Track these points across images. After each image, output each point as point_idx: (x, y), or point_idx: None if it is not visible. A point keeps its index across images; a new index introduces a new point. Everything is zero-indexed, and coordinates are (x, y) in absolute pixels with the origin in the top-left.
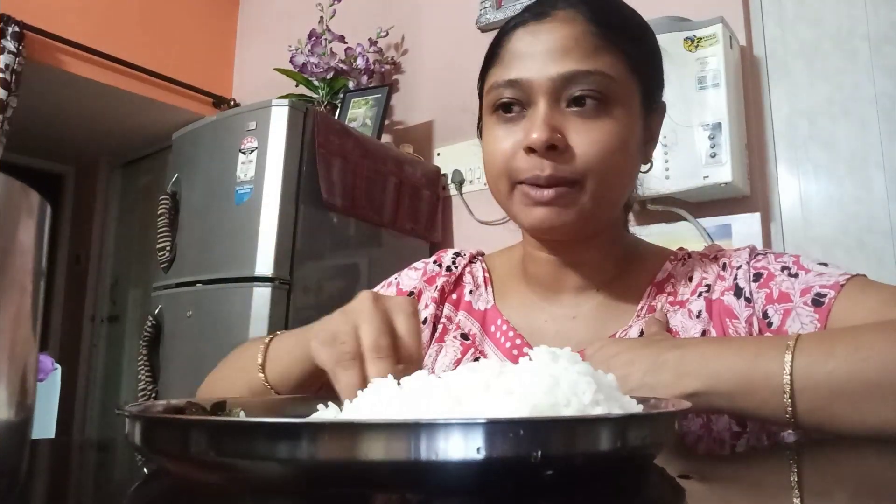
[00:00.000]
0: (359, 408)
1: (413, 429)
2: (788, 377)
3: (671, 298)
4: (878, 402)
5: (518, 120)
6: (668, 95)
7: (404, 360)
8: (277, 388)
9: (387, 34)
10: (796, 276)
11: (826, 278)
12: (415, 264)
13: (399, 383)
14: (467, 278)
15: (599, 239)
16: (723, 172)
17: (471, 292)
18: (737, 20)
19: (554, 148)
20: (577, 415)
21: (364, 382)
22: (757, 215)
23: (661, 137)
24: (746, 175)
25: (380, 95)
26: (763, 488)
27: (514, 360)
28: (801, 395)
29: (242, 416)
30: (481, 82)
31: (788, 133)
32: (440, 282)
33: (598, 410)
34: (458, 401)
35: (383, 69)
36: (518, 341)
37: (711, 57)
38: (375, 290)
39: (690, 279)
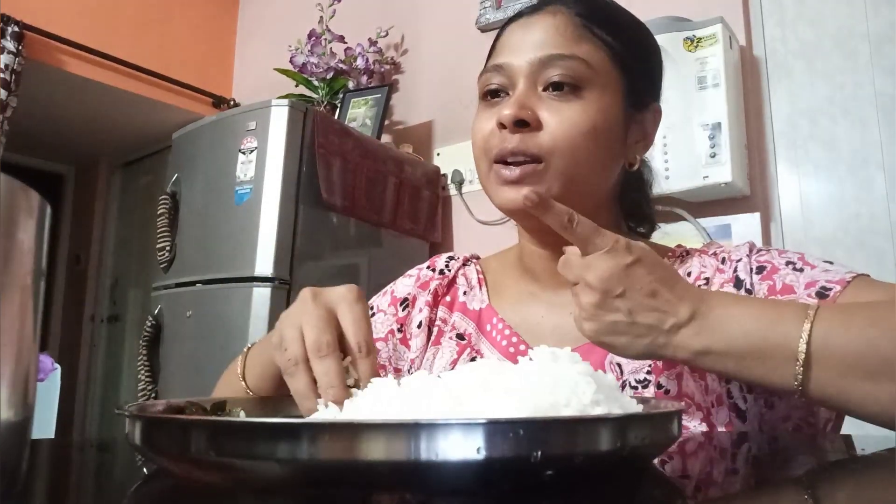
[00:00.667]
0: (359, 408)
1: (413, 429)
2: (805, 346)
3: None
4: (891, 379)
5: (500, 103)
6: (668, 95)
7: (352, 351)
8: (258, 393)
9: (387, 34)
10: (801, 270)
11: (832, 274)
12: (409, 272)
13: (399, 383)
14: (461, 280)
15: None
16: (723, 172)
17: (465, 293)
18: (737, 20)
19: (523, 124)
20: (577, 415)
21: (314, 383)
22: (757, 215)
23: (661, 137)
24: (746, 175)
25: (380, 95)
26: (763, 488)
27: (511, 358)
28: (816, 365)
29: (242, 416)
30: (488, 56)
31: (788, 133)
32: (433, 285)
33: (598, 410)
34: (458, 401)
35: (383, 69)
36: (514, 339)
37: (711, 57)
38: (372, 301)
39: (689, 274)
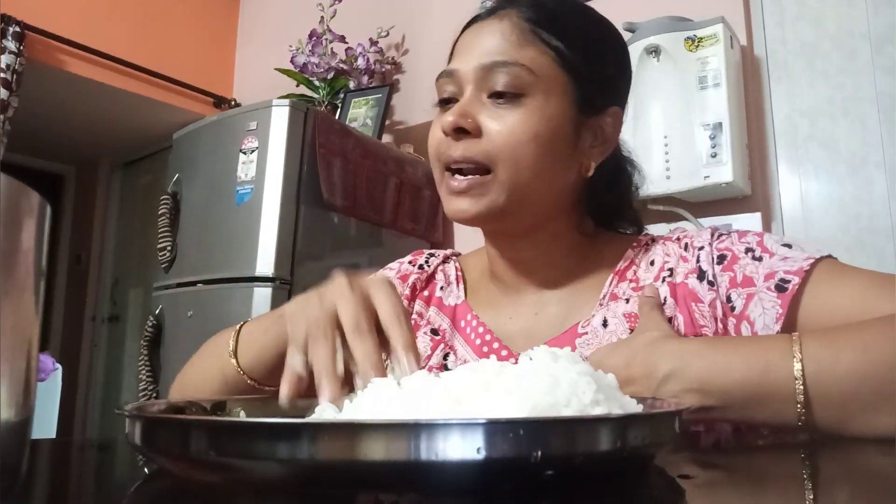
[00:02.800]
0: (359, 408)
1: (413, 429)
2: (802, 387)
3: (633, 285)
4: (889, 404)
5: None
6: (669, 95)
7: (394, 341)
8: (251, 374)
9: (387, 34)
10: (760, 259)
11: (790, 263)
12: (389, 265)
13: (399, 383)
14: (439, 276)
15: (539, 236)
16: (723, 172)
17: (441, 289)
18: (737, 20)
19: (464, 131)
20: (577, 415)
21: (335, 359)
22: (757, 215)
23: (662, 137)
24: (747, 175)
25: (380, 95)
26: (763, 488)
27: (485, 356)
28: (815, 405)
29: (242, 416)
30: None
31: (789, 133)
32: (412, 279)
33: (598, 410)
34: (458, 401)
35: (384, 69)
36: (488, 337)
37: (712, 57)
38: None
39: (652, 263)
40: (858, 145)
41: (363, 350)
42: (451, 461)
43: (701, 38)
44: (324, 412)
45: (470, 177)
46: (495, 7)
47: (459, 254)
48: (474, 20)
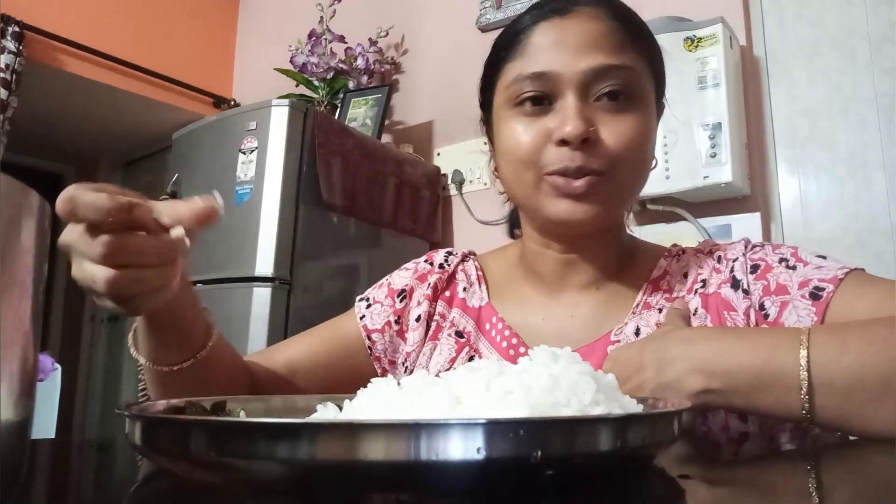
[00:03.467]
0: (358, 408)
1: (413, 429)
2: (806, 373)
3: (667, 296)
4: (891, 400)
5: (541, 114)
6: (669, 95)
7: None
8: (159, 365)
9: (387, 34)
10: (794, 268)
11: (825, 272)
12: (405, 265)
13: (399, 383)
14: (460, 276)
15: (608, 235)
16: (723, 172)
17: (464, 290)
18: (737, 20)
19: (587, 140)
20: (577, 415)
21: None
22: (757, 215)
23: (661, 137)
24: (746, 175)
25: (380, 95)
26: (763, 488)
27: (511, 359)
28: (819, 392)
29: (242, 416)
30: (492, 77)
31: (788, 133)
32: (432, 279)
33: (598, 410)
34: (457, 401)
35: (383, 69)
36: (514, 340)
37: (711, 57)
38: (368, 293)
39: (685, 275)
40: (858, 145)
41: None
42: (451, 461)
43: (700, 39)
44: (324, 412)
45: (587, 178)
46: (572, 4)
47: (475, 253)
48: (544, 16)
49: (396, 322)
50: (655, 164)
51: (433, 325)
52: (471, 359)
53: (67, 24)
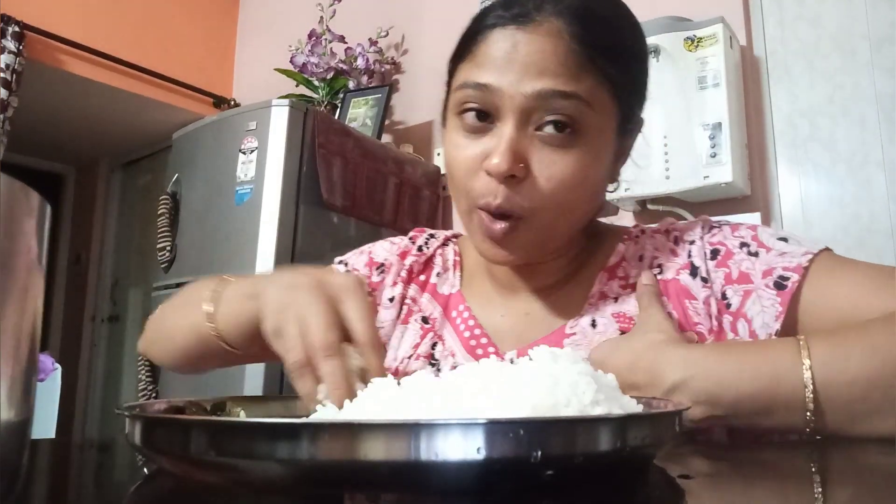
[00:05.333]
0: (359, 407)
1: (413, 429)
2: (811, 394)
3: (622, 283)
4: (892, 412)
5: (482, 132)
6: (669, 95)
7: (362, 347)
8: (228, 340)
9: (387, 34)
10: (756, 254)
11: (788, 258)
12: (391, 238)
13: (399, 383)
14: (437, 260)
15: (558, 250)
16: (723, 172)
17: (438, 275)
18: (737, 20)
19: (513, 177)
20: (577, 415)
21: (319, 380)
22: (757, 215)
23: (661, 137)
24: (747, 175)
25: (380, 95)
26: (763, 488)
27: (471, 350)
28: (824, 408)
29: (242, 416)
30: (451, 69)
31: (788, 133)
32: (409, 261)
33: (598, 410)
34: (458, 401)
35: (383, 69)
36: (477, 331)
37: (712, 57)
38: (348, 257)
39: (641, 258)
40: (858, 145)
41: (328, 369)
42: (451, 461)
43: (700, 39)
44: (324, 412)
45: (508, 224)
46: (533, 10)
47: (459, 235)
48: (503, 22)
49: (369, 294)
50: (617, 187)
51: (404, 308)
52: (434, 345)
53: (67, 24)
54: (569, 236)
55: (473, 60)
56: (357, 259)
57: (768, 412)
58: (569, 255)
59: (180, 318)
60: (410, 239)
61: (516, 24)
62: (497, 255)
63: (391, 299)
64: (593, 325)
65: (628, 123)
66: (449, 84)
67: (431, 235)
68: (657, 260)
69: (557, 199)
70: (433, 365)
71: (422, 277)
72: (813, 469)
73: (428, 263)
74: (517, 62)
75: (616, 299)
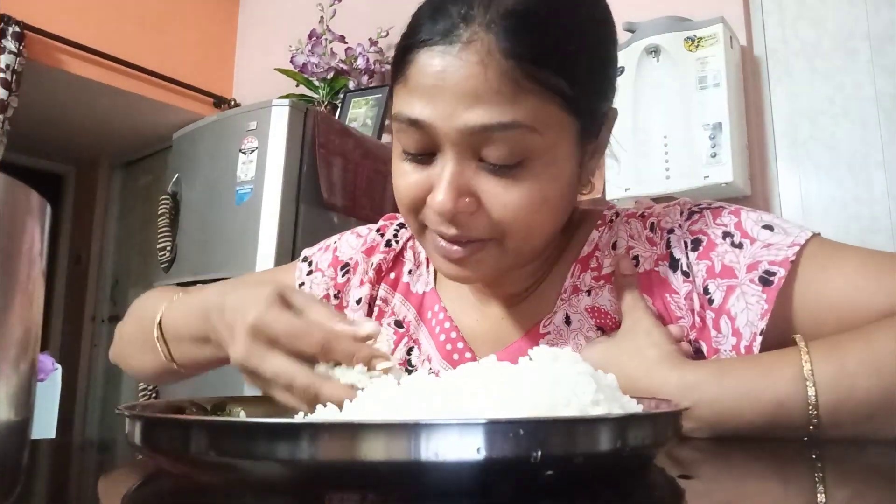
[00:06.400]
0: (359, 407)
1: (413, 429)
2: (816, 420)
3: (595, 274)
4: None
5: (426, 161)
6: (669, 95)
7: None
8: (181, 364)
9: (387, 34)
10: (740, 245)
11: (774, 251)
12: (358, 229)
13: (399, 383)
14: (408, 255)
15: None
16: (723, 172)
17: (410, 272)
18: (737, 20)
19: (462, 213)
20: (577, 415)
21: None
22: None
23: (661, 137)
24: (747, 175)
25: (380, 95)
26: (764, 488)
27: (447, 355)
28: (829, 430)
29: (242, 416)
30: (391, 83)
31: (789, 133)
32: (376, 259)
33: (598, 410)
34: (457, 401)
35: (384, 69)
36: (453, 335)
37: (712, 57)
38: (314, 253)
39: (614, 246)
40: (858, 145)
41: (329, 392)
42: (451, 461)
43: (701, 38)
44: (324, 412)
45: (468, 245)
46: (461, 23)
47: None
48: (432, 40)
49: (336, 297)
50: (591, 189)
51: (375, 308)
52: (410, 350)
53: (67, 24)
54: (540, 249)
55: (406, 86)
56: (322, 257)
57: (770, 434)
58: (543, 255)
59: (138, 349)
60: (378, 231)
61: (444, 43)
62: (459, 275)
63: (358, 301)
64: (567, 321)
65: (591, 126)
66: (391, 96)
67: (402, 225)
68: (633, 251)
69: (518, 225)
70: (409, 372)
71: (392, 275)
72: (813, 469)
73: (398, 259)
74: (447, 92)
75: (589, 293)
